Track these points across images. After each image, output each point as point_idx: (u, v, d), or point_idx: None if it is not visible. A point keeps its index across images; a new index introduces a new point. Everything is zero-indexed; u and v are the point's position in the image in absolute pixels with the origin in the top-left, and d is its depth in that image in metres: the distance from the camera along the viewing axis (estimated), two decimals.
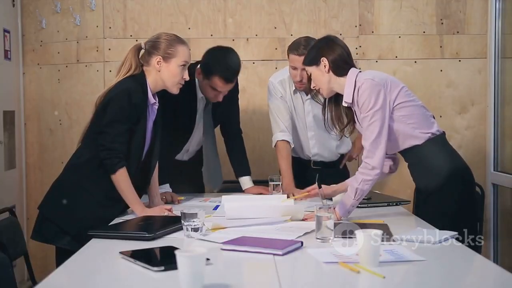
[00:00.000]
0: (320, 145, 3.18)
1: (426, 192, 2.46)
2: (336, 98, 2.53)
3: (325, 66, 2.43)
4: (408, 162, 2.51)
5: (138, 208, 2.46)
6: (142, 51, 2.59)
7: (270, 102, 3.15)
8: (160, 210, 2.50)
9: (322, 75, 2.45)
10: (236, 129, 3.21)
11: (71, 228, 2.43)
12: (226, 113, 3.12)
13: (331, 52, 2.43)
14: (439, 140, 2.44)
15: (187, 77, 2.58)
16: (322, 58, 2.43)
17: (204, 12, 3.77)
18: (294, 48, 2.93)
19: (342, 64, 2.43)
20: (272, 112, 3.14)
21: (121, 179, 2.44)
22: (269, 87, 3.15)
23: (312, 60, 2.47)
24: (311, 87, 2.53)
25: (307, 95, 3.06)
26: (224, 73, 2.81)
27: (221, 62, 2.84)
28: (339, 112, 2.55)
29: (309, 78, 2.53)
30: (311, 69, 2.48)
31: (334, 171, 3.17)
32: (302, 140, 3.19)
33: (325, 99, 2.59)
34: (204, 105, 3.01)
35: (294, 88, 3.08)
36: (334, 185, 2.63)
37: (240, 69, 2.92)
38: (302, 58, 2.83)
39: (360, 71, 2.45)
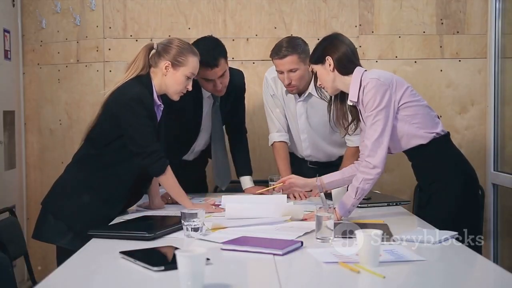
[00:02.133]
0: (314, 147, 3.15)
1: (429, 192, 2.46)
2: (342, 96, 2.54)
3: (330, 65, 2.43)
4: (412, 162, 2.51)
5: (188, 203, 2.52)
6: (153, 51, 2.56)
7: (264, 98, 3.15)
8: (207, 206, 2.57)
9: (327, 74, 2.45)
10: (241, 128, 3.21)
11: (75, 223, 2.43)
12: (232, 111, 3.12)
13: (336, 51, 2.42)
14: (443, 140, 2.44)
15: (190, 88, 2.57)
16: (327, 57, 2.43)
17: (204, 12, 3.77)
18: (275, 52, 2.87)
19: (347, 63, 2.43)
20: (266, 109, 3.15)
21: (170, 177, 2.50)
22: (264, 82, 3.14)
23: (317, 58, 2.47)
24: (317, 85, 2.53)
25: (299, 96, 3.03)
26: (203, 60, 2.74)
27: (197, 50, 2.79)
28: (344, 110, 2.55)
29: (316, 77, 2.52)
30: (316, 68, 2.48)
31: (332, 171, 3.13)
32: (296, 141, 3.17)
33: (330, 98, 2.59)
34: (211, 104, 3.01)
35: (285, 89, 3.04)
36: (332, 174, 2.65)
37: (220, 50, 2.84)
38: (285, 60, 2.84)
39: (366, 70, 2.45)
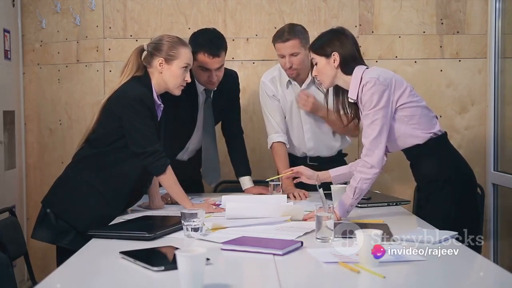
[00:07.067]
0: (316, 138, 3.16)
1: (427, 191, 2.46)
2: (337, 91, 2.54)
3: (335, 61, 2.42)
4: (410, 161, 2.51)
5: (188, 203, 2.53)
6: (145, 53, 2.59)
7: (262, 102, 3.18)
8: (207, 206, 2.58)
9: (330, 69, 2.44)
10: (237, 129, 3.21)
11: (76, 223, 2.43)
12: (227, 111, 3.13)
13: (343, 48, 2.41)
14: (440, 140, 2.44)
15: (189, 79, 2.59)
16: (333, 53, 2.42)
17: (204, 12, 3.77)
18: (278, 36, 2.96)
19: (352, 62, 2.42)
20: (265, 112, 3.17)
21: (170, 176, 2.51)
22: (261, 86, 3.18)
23: (321, 50, 2.44)
24: (313, 75, 2.54)
25: (300, 86, 3.06)
26: (206, 47, 2.81)
27: (201, 38, 2.86)
28: (340, 106, 2.55)
29: (312, 65, 2.51)
30: (319, 59, 2.46)
31: (332, 167, 3.12)
32: (298, 136, 3.18)
33: (327, 91, 2.61)
34: (204, 99, 3.02)
35: (286, 81, 3.08)
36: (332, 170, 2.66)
37: (223, 43, 2.90)
38: (287, 44, 2.92)
39: (367, 68, 2.44)
